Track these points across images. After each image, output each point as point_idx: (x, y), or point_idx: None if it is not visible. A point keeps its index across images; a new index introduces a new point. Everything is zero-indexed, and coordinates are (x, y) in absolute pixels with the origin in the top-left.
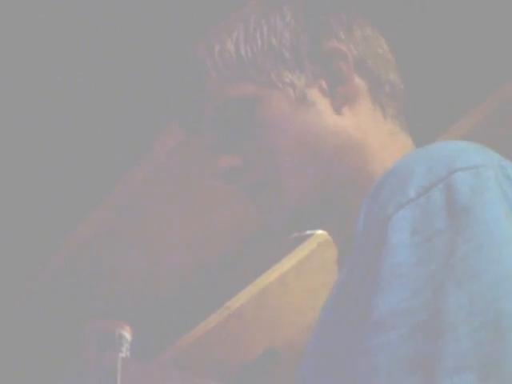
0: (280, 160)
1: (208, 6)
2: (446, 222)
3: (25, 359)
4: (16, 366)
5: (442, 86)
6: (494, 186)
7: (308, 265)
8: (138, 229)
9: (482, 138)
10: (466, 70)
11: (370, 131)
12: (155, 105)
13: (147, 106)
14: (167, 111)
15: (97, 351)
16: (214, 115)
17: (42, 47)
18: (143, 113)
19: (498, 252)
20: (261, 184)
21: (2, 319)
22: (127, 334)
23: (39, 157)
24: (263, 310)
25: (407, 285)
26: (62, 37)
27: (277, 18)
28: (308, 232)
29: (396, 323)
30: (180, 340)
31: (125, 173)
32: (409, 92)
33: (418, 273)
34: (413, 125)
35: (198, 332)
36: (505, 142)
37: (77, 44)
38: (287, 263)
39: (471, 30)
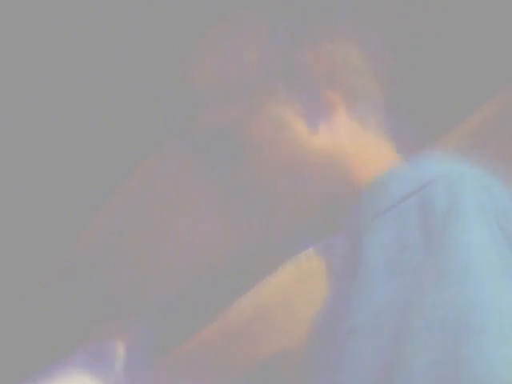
0: (260, 184)
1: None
2: (416, 236)
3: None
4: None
5: (442, 89)
6: (467, 196)
7: (306, 277)
8: (133, 230)
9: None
10: (466, 72)
11: (350, 145)
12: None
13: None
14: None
15: (89, 369)
16: (202, 138)
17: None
18: (146, 116)
19: (469, 255)
20: (249, 205)
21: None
22: (120, 349)
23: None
24: (261, 320)
25: (376, 319)
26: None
27: (249, 37)
28: (302, 251)
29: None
30: (175, 351)
31: (127, 175)
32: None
33: (389, 284)
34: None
35: (192, 343)
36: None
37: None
38: (287, 273)
39: (470, 35)
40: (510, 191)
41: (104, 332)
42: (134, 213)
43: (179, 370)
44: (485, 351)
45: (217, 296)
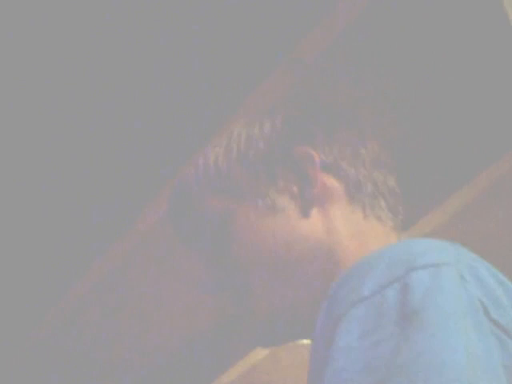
0: (247, 274)
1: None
2: (395, 326)
3: None
4: None
5: (437, 161)
6: (452, 285)
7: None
8: (129, 296)
9: (473, 215)
10: (459, 144)
11: (346, 233)
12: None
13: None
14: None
15: None
16: (194, 227)
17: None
18: (131, 185)
19: (443, 359)
20: (235, 295)
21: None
22: None
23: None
24: None
25: None
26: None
27: (255, 128)
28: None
29: None
30: None
31: (111, 244)
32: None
33: (362, 381)
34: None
35: None
36: (500, 216)
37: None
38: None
39: (465, 104)
40: (499, 275)
41: None
42: (118, 286)
43: None
44: None
45: (205, 367)
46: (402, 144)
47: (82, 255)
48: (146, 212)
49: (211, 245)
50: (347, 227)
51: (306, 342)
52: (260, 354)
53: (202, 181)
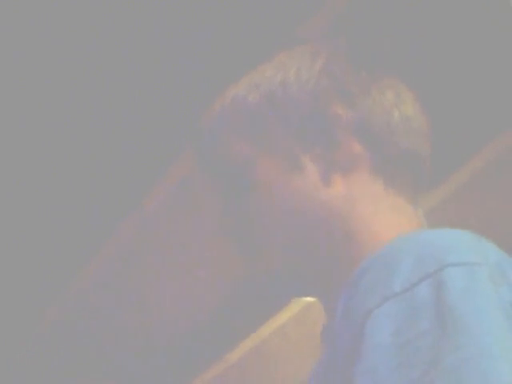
0: (261, 223)
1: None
2: (431, 323)
3: None
4: None
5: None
6: (488, 288)
7: (308, 314)
8: (133, 280)
9: (480, 188)
10: (463, 119)
11: (364, 202)
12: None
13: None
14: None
15: None
16: (216, 169)
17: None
18: (137, 166)
19: (486, 367)
20: (246, 244)
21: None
22: None
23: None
24: (263, 360)
25: None
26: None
27: (291, 71)
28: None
29: None
30: None
31: (116, 226)
32: None
33: (397, 379)
34: None
35: None
36: (503, 192)
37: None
38: (287, 313)
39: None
40: None
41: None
42: (128, 264)
43: None
44: None
45: (214, 343)
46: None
47: (93, 236)
48: (151, 192)
49: (229, 190)
50: (367, 198)
51: (309, 299)
52: (268, 329)
53: (228, 118)
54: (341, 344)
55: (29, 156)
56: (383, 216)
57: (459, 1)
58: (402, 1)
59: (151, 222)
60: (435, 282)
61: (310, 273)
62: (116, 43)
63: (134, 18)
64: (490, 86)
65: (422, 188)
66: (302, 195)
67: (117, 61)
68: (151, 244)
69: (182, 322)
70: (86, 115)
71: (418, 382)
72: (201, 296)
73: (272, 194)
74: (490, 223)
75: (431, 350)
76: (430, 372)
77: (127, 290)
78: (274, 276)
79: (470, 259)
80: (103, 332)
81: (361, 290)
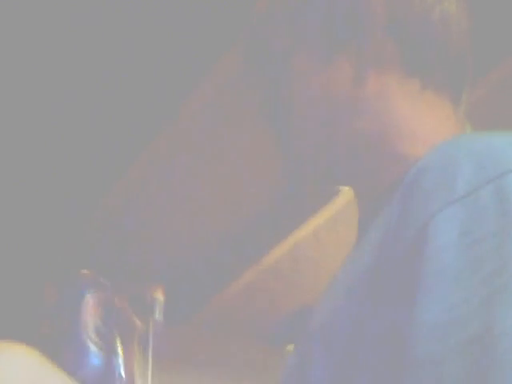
0: (297, 111)
1: None
2: (498, 224)
3: None
4: None
5: None
6: None
7: (341, 218)
8: (170, 187)
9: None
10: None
11: (399, 100)
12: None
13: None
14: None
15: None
16: (259, 55)
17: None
18: (173, 74)
19: None
20: (281, 132)
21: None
22: (160, 297)
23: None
24: (297, 264)
25: (455, 292)
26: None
27: None
28: (331, 187)
29: (443, 335)
30: (215, 298)
31: (154, 135)
32: None
33: (468, 278)
34: None
35: (232, 290)
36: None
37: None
38: (320, 217)
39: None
40: None
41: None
42: (164, 171)
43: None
44: None
45: (250, 247)
46: None
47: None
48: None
49: (271, 82)
50: (401, 97)
51: (346, 188)
52: (302, 232)
53: (272, 13)
54: (391, 246)
55: None
56: (420, 114)
57: None
58: None
59: (189, 123)
60: (497, 187)
61: (340, 162)
62: None
63: None
64: None
65: (463, 88)
66: (333, 90)
67: None
68: (190, 144)
69: (221, 226)
70: None
71: (489, 281)
72: (238, 198)
73: (306, 85)
74: None
75: (500, 250)
76: (500, 273)
77: (165, 191)
78: (304, 162)
79: None
80: (153, 230)
81: (419, 194)
